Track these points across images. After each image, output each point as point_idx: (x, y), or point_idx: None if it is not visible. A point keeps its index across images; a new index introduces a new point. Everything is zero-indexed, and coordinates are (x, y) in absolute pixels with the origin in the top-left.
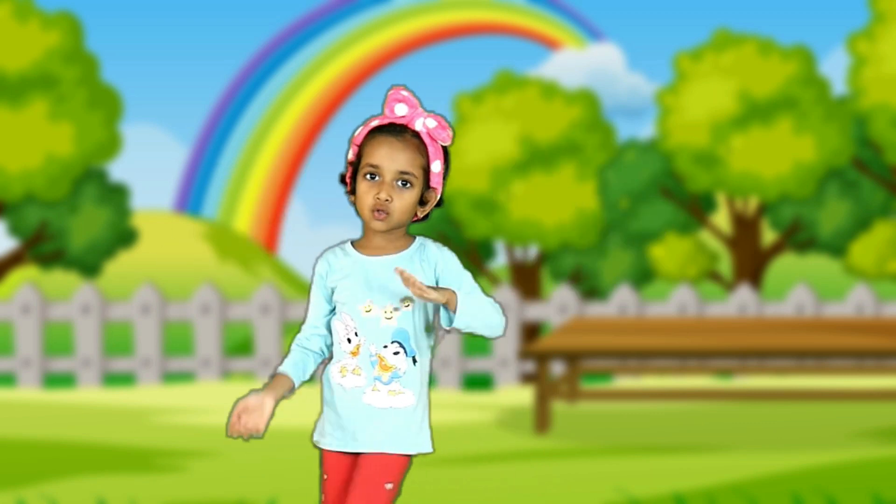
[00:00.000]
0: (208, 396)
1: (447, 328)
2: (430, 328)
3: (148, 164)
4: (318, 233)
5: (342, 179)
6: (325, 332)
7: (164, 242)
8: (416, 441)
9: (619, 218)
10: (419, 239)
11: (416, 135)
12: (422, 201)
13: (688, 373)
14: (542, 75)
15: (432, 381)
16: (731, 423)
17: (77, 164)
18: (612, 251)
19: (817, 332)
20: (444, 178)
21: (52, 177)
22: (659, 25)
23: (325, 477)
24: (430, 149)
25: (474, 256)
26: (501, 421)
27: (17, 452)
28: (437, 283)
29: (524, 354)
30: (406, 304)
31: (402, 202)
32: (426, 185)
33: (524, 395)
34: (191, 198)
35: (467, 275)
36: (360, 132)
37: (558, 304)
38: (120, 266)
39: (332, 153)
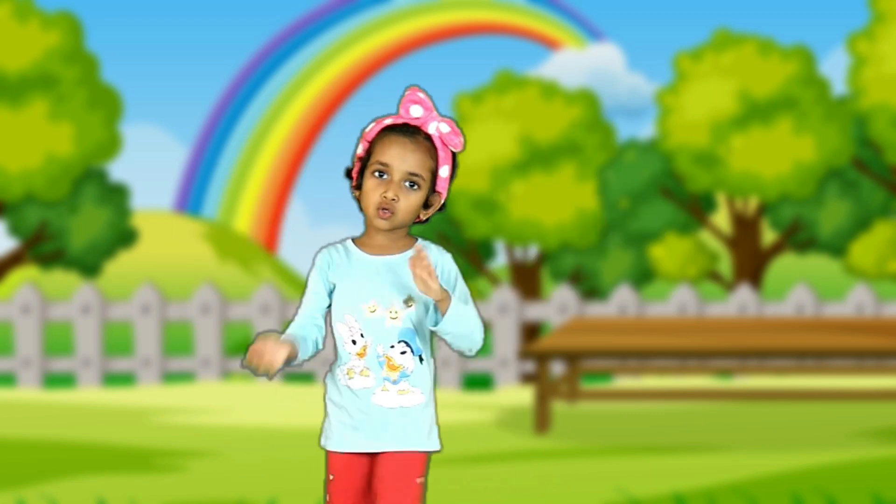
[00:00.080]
0: (208, 396)
1: (431, 328)
2: None
3: (148, 164)
4: (318, 233)
5: (348, 173)
6: (321, 323)
7: (164, 242)
8: (428, 439)
9: (619, 218)
10: (420, 241)
11: (428, 137)
12: (426, 204)
13: (688, 373)
14: (542, 75)
15: None
16: (731, 423)
17: (77, 164)
18: (612, 251)
19: (817, 332)
20: (450, 184)
21: (52, 177)
22: (659, 25)
23: (332, 478)
24: (441, 153)
25: (474, 256)
26: (501, 421)
27: (17, 452)
28: None
29: (524, 354)
30: (410, 303)
31: (408, 203)
32: (432, 188)
33: (524, 395)
34: (191, 198)
35: (463, 283)
36: (372, 128)
37: (558, 304)
38: (120, 266)
39: (332, 153)
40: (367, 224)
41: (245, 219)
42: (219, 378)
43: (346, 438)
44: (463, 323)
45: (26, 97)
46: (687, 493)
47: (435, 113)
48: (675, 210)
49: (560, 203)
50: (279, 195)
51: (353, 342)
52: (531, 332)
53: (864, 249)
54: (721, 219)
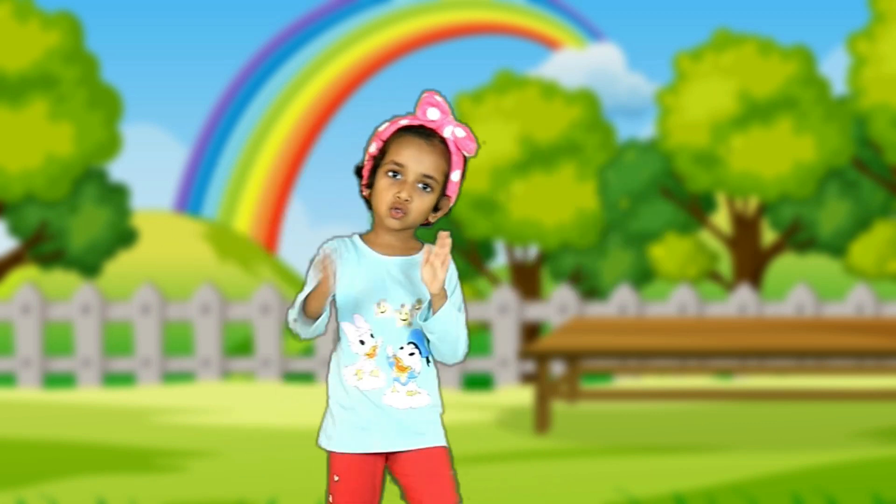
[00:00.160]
0: (208, 396)
1: (420, 322)
2: None
3: (148, 164)
4: (318, 233)
5: (358, 171)
6: (328, 308)
7: (164, 242)
8: (444, 436)
9: (619, 218)
10: (427, 245)
11: (443, 141)
12: (435, 207)
13: (688, 373)
14: (542, 75)
15: None
16: (731, 423)
17: (77, 164)
18: (612, 251)
19: (817, 332)
20: (459, 188)
21: (52, 177)
22: (659, 25)
23: (337, 479)
24: (454, 157)
25: (474, 256)
26: (501, 421)
27: (17, 452)
28: None
29: (524, 354)
30: (418, 305)
31: (420, 205)
32: (443, 192)
33: (524, 395)
34: (191, 198)
35: (461, 292)
36: (387, 128)
37: (558, 304)
38: (120, 266)
39: (332, 153)
40: (376, 223)
41: (245, 219)
42: (219, 378)
43: (355, 439)
44: (451, 327)
45: (26, 97)
46: (687, 493)
47: (451, 117)
48: (675, 210)
49: (560, 203)
50: (279, 195)
51: (361, 342)
52: (531, 332)
53: (864, 249)
54: (721, 219)
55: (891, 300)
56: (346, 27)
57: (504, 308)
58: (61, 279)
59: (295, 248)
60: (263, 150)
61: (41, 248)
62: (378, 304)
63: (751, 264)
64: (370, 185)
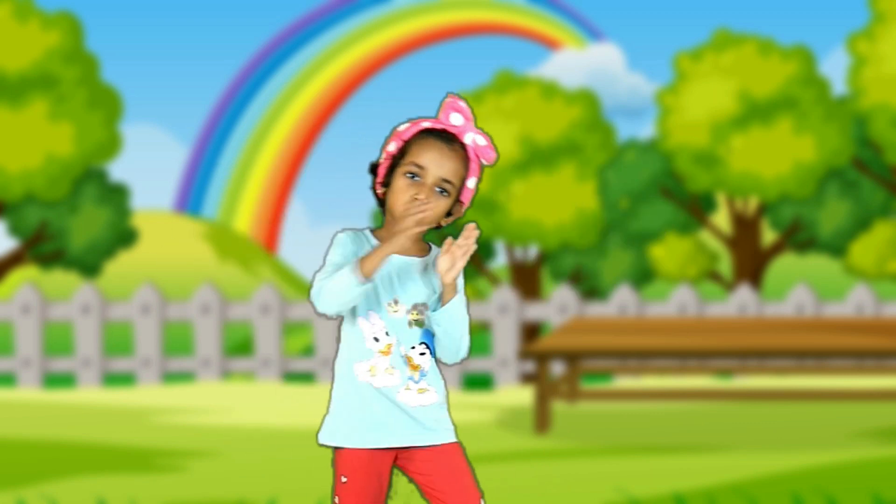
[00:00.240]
0: (208, 396)
1: (429, 313)
2: None
3: (148, 164)
4: (318, 233)
5: (373, 169)
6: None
7: (164, 242)
8: (455, 433)
9: (619, 218)
10: (435, 248)
11: (463, 147)
12: (448, 212)
13: (688, 373)
14: (542, 75)
15: None
16: (731, 423)
17: (77, 164)
18: (612, 251)
19: (817, 332)
20: (473, 196)
21: (52, 177)
22: (659, 25)
23: (345, 480)
24: (472, 164)
25: (474, 256)
26: (501, 421)
27: (17, 452)
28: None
29: (524, 354)
30: (429, 306)
31: (437, 208)
32: (457, 197)
33: (524, 395)
34: (191, 198)
35: (465, 295)
36: (409, 129)
37: (558, 304)
38: (120, 266)
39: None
40: (388, 221)
41: (245, 219)
42: (219, 378)
43: (366, 435)
44: (459, 322)
45: (26, 97)
46: (687, 493)
47: (473, 123)
48: (675, 210)
49: (560, 203)
50: (279, 195)
51: (376, 339)
52: (531, 332)
53: (864, 249)
54: (721, 219)
55: (891, 300)
56: (346, 27)
57: (504, 308)
58: (61, 279)
59: (295, 248)
60: (263, 150)
61: (41, 248)
62: (391, 304)
63: (751, 264)
64: (386, 184)
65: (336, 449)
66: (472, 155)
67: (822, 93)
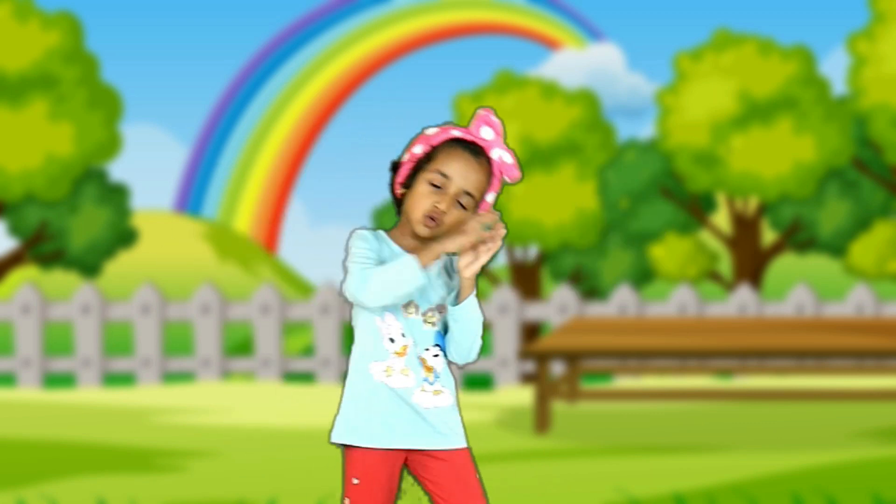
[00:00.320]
0: (208, 396)
1: (449, 305)
2: None
3: (148, 164)
4: (318, 233)
5: (395, 167)
6: None
7: (164, 242)
8: (466, 437)
9: (619, 218)
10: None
11: (489, 161)
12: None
13: (688, 373)
14: (542, 75)
15: None
16: (731, 423)
17: (77, 164)
18: (612, 251)
19: (817, 332)
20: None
21: (52, 177)
22: (659, 25)
23: (356, 482)
24: (494, 180)
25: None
26: (501, 421)
27: (17, 452)
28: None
29: (524, 354)
30: (441, 309)
31: (454, 218)
32: (474, 209)
33: (524, 395)
34: (191, 198)
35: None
36: (438, 134)
37: (558, 304)
38: (120, 266)
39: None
40: (402, 222)
41: (245, 219)
42: (219, 378)
43: (379, 434)
44: (474, 319)
45: (26, 97)
46: (687, 493)
47: (502, 139)
48: (675, 210)
49: (560, 203)
50: (279, 195)
51: (392, 340)
52: (531, 332)
53: (864, 249)
54: (721, 219)
55: (891, 300)
56: (346, 27)
57: (504, 308)
58: (61, 279)
59: (295, 248)
60: (263, 150)
61: (41, 248)
62: (407, 306)
63: (751, 264)
64: (406, 185)
65: (347, 448)
66: (495, 170)
67: (822, 93)
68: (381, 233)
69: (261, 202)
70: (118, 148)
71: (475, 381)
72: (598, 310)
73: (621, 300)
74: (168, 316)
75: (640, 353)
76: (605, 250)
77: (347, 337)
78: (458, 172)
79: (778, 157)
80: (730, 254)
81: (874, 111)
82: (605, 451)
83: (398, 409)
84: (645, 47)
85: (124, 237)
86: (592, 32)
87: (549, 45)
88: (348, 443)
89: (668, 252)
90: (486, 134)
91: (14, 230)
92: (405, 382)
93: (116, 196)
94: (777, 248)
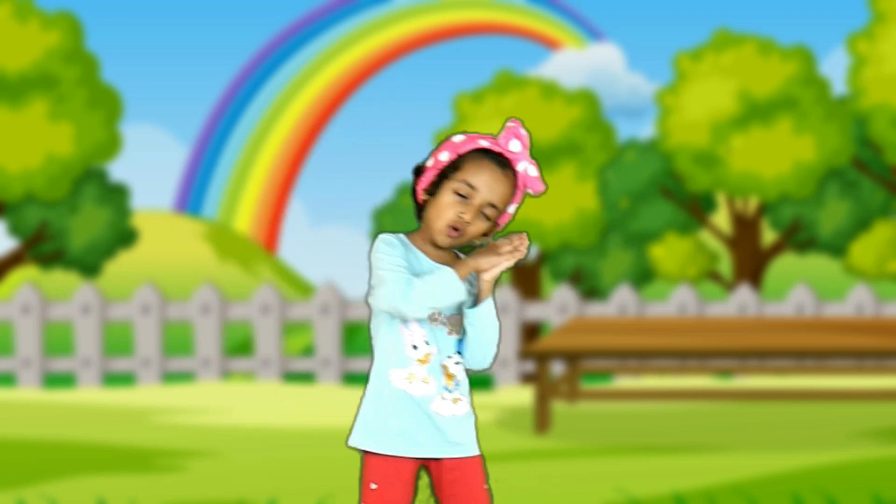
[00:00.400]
0: (208, 396)
1: (466, 309)
2: None
3: (148, 164)
4: (318, 233)
5: (419, 171)
6: None
7: (164, 242)
8: (479, 445)
9: (619, 218)
10: (462, 256)
11: (514, 173)
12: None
13: (688, 373)
14: (542, 75)
15: None
16: (731, 423)
17: (77, 164)
18: (612, 251)
19: (817, 332)
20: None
21: (52, 177)
22: (659, 25)
23: (374, 487)
24: (518, 192)
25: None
26: (501, 421)
27: (17, 452)
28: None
29: (524, 354)
30: (461, 316)
31: (476, 229)
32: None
33: (524, 395)
34: (191, 198)
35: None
36: (465, 143)
37: (558, 304)
38: (120, 266)
39: (332, 153)
40: (423, 228)
41: (245, 219)
42: (219, 378)
43: (398, 442)
44: (492, 324)
45: (26, 97)
46: (687, 493)
47: (528, 152)
48: (675, 210)
49: (560, 203)
50: (279, 195)
51: (414, 347)
52: (531, 332)
53: (864, 249)
54: (721, 219)
55: (891, 300)
56: (346, 27)
57: (504, 308)
58: (61, 279)
59: (295, 248)
60: (263, 150)
61: (41, 248)
62: (431, 314)
63: (751, 264)
64: (430, 192)
65: (365, 454)
66: (520, 183)
67: (822, 93)
68: (405, 238)
69: (261, 202)
70: (118, 148)
71: (475, 380)
72: (598, 310)
73: (621, 300)
74: (168, 316)
75: (640, 353)
76: (605, 250)
77: (347, 337)
78: (485, 184)
79: (778, 157)
80: (730, 254)
81: (874, 111)
82: (605, 451)
83: (415, 417)
84: (645, 47)
85: (124, 237)
86: (592, 32)
87: (549, 45)
88: (366, 448)
89: (668, 252)
90: (514, 147)
91: (14, 230)
92: (425, 390)
93: (116, 196)
94: (777, 248)
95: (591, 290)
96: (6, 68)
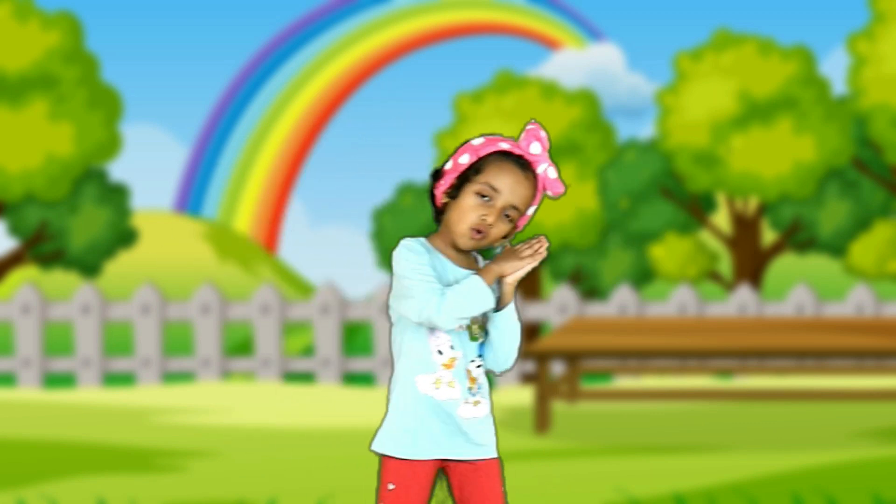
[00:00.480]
0: (208, 396)
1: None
2: None
3: (148, 164)
4: (318, 233)
5: (438, 175)
6: None
7: (164, 242)
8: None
9: (619, 218)
10: (481, 259)
11: (535, 175)
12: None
13: (688, 373)
14: (542, 75)
15: None
16: (731, 423)
17: (77, 164)
18: (612, 251)
19: (817, 332)
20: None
21: (52, 177)
22: (659, 25)
23: (392, 487)
24: (538, 194)
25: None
26: (501, 421)
27: (17, 452)
28: None
29: (524, 354)
30: (485, 319)
31: (498, 231)
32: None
33: (524, 395)
34: (191, 198)
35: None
36: (485, 145)
37: (558, 304)
38: (120, 266)
39: (332, 153)
40: (443, 233)
41: (245, 219)
42: (219, 378)
43: (420, 446)
44: (514, 326)
45: (26, 97)
46: (687, 493)
47: (547, 155)
48: (675, 210)
49: (560, 203)
50: (279, 195)
51: (439, 352)
52: (531, 332)
53: (864, 249)
54: (721, 219)
55: (891, 300)
56: (346, 27)
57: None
58: (61, 279)
59: (295, 248)
60: (263, 150)
61: (41, 248)
62: None
63: (751, 264)
64: (450, 196)
65: (384, 457)
66: (540, 185)
67: (822, 93)
68: (427, 242)
69: (261, 202)
70: (118, 148)
71: None
72: (598, 310)
73: (621, 300)
74: (168, 316)
75: (640, 353)
76: (605, 250)
77: (347, 337)
78: (507, 186)
79: (778, 157)
80: (730, 254)
81: (874, 111)
82: (605, 451)
83: (441, 422)
84: (645, 47)
85: (124, 237)
86: (592, 32)
87: (549, 45)
88: (390, 454)
89: (668, 252)
90: (535, 149)
91: (14, 230)
92: (451, 395)
93: (116, 196)
94: (777, 248)
95: (591, 290)
96: (6, 68)
